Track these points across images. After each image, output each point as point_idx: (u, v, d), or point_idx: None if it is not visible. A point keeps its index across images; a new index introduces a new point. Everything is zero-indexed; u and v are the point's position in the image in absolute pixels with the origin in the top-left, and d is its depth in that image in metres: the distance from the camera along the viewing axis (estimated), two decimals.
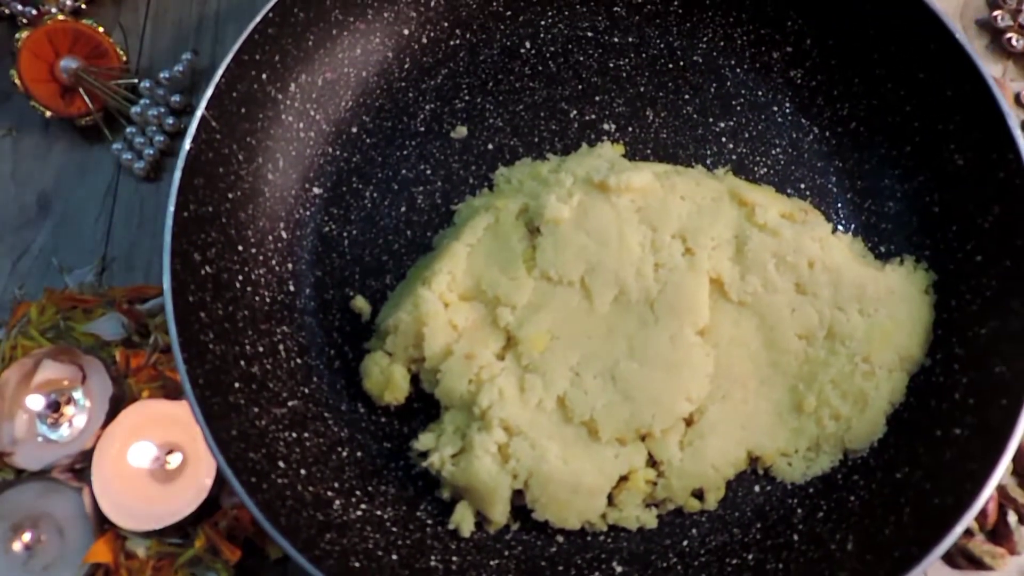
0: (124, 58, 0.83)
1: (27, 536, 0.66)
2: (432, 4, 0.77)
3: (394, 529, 0.63)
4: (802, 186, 0.74)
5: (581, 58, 0.78)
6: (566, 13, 0.78)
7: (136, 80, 0.82)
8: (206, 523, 0.66)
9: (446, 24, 0.77)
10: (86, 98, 0.81)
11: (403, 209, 0.74)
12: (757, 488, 0.66)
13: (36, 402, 0.68)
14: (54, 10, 0.83)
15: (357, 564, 0.58)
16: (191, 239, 0.63)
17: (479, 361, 0.64)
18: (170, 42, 0.86)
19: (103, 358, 0.70)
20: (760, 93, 0.76)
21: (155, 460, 0.67)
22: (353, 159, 0.75)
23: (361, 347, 0.69)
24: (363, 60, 0.75)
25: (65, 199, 0.81)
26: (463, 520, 0.63)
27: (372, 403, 0.68)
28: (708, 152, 0.75)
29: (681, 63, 0.77)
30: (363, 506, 0.63)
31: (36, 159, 0.83)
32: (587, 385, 0.64)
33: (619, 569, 0.63)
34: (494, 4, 0.78)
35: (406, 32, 0.77)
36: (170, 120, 0.82)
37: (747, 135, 0.75)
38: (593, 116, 0.76)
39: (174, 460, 0.68)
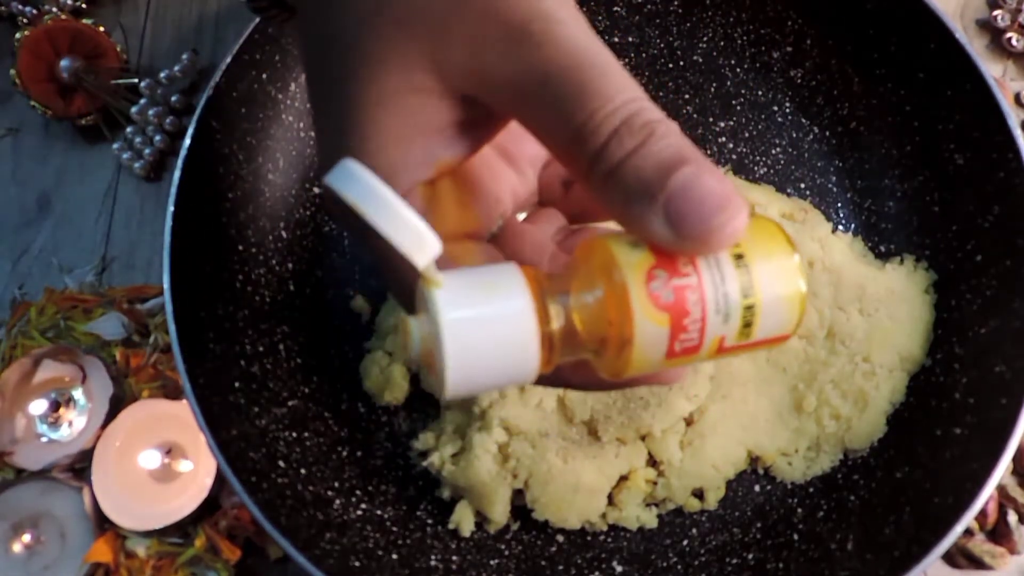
0: (124, 58, 0.83)
1: (27, 536, 0.66)
2: None
3: (394, 528, 0.63)
4: (802, 186, 0.74)
5: None
6: None
7: (136, 80, 0.82)
8: (206, 523, 0.66)
9: None
10: (86, 98, 0.81)
11: None
12: (757, 488, 0.66)
13: (38, 407, 0.68)
14: (54, 10, 0.83)
15: (357, 563, 0.58)
16: (191, 239, 0.63)
17: None
18: (170, 42, 0.86)
19: (103, 358, 0.70)
20: (760, 93, 0.76)
21: (157, 462, 0.67)
22: None
23: (361, 346, 0.69)
24: None
25: (65, 199, 0.81)
26: (463, 520, 0.63)
27: (372, 403, 0.68)
28: (708, 152, 0.75)
29: (681, 63, 0.77)
30: (363, 505, 0.63)
31: (36, 159, 0.83)
32: None
33: (619, 568, 0.63)
34: None
35: None
36: (170, 120, 0.82)
37: (747, 135, 0.75)
38: None
39: (173, 462, 0.68)
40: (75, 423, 0.69)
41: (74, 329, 0.72)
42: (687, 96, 0.76)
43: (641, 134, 0.31)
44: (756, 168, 0.75)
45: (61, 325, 0.73)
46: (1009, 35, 0.83)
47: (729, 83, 0.77)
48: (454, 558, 0.62)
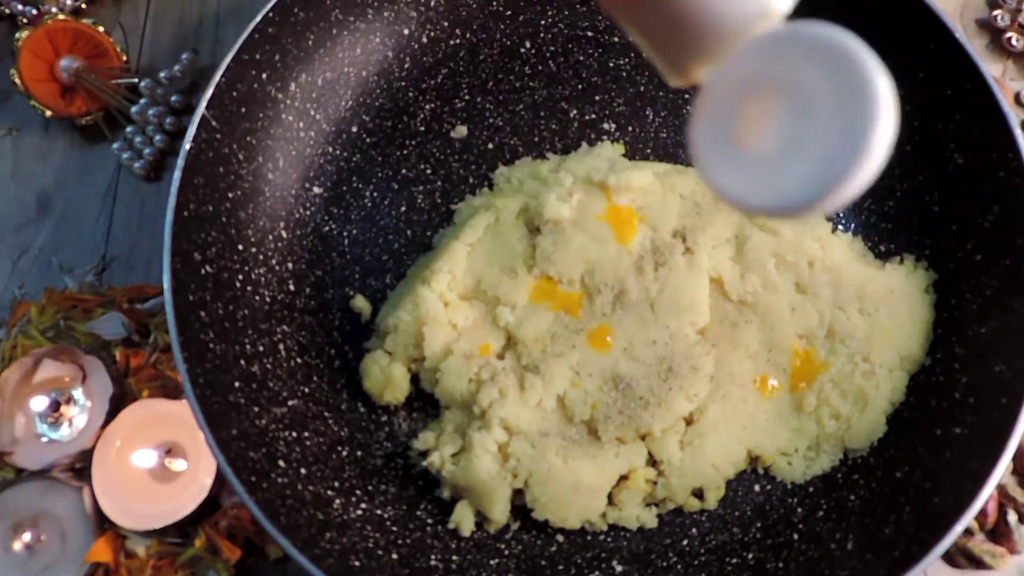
0: (124, 58, 0.84)
1: (27, 536, 0.66)
2: (432, 4, 0.77)
3: (394, 528, 0.63)
4: None
5: (581, 58, 0.78)
6: (566, 13, 0.78)
7: (136, 80, 0.82)
8: (206, 522, 0.66)
9: (446, 24, 0.78)
10: (86, 98, 0.81)
11: (403, 208, 0.74)
12: (757, 487, 0.66)
13: (39, 403, 0.68)
14: (54, 10, 0.83)
15: (357, 563, 0.58)
16: (191, 239, 0.63)
17: (479, 360, 0.64)
18: (170, 42, 0.86)
19: (103, 357, 0.70)
20: None
21: (155, 460, 0.67)
22: (353, 158, 0.75)
23: (361, 346, 0.69)
24: (363, 60, 0.75)
25: (65, 199, 0.81)
26: (463, 519, 0.63)
27: (372, 403, 0.68)
28: None
29: None
30: (363, 505, 0.63)
31: (36, 159, 0.83)
32: (587, 384, 0.64)
33: (619, 568, 0.63)
34: (494, 4, 0.78)
35: (406, 32, 0.77)
36: (170, 120, 0.82)
37: None
38: (593, 115, 0.76)
39: (174, 460, 0.68)
40: (75, 423, 0.69)
41: (74, 329, 0.72)
42: (687, 96, 0.76)
43: None
44: None
45: (61, 325, 0.73)
46: (1009, 35, 0.83)
47: None
48: (454, 558, 0.62)
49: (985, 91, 0.64)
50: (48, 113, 0.81)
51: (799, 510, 0.64)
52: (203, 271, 0.63)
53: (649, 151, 0.75)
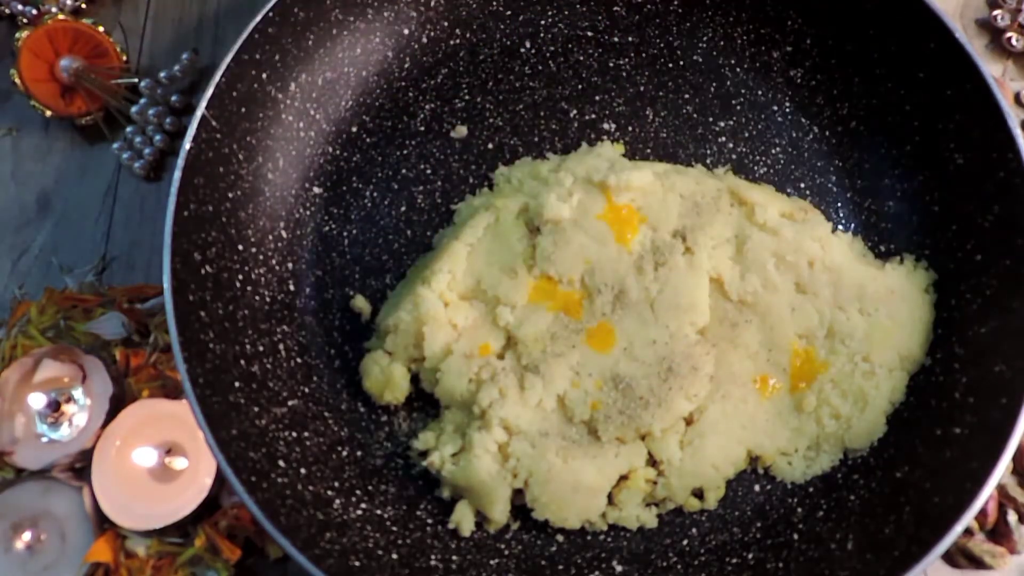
0: (124, 58, 0.84)
1: (27, 535, 0.66)
2: (432, 4, 0.77)
3: (394, 528, 0.63)
4: (802, 185, 0.74)
5: (581, 58, 0.78)
6: (566, 13, 0.78)
7: (136, 80, 0.82)
8: (206, 522, 0.66)
9: (446, 24, 0.78)
10: (86, 98, 0.81)
11: (403, 208, 0.74)
12: (757, 487, 0.66)
13: (37, 400, 0.68)
14: (54, 10, 0.83)
15: (357, 563, 0.58)
16: (191, 239, 0.63)
17: (479, 360, 0.64)
18: (170, 42, 0.86)
19: (103, 357, 0.70)
20: (760, 93, 0.76)
21: (155, 460, 0.67)
22: (353, 159, 0.75)
23: (361, 346, 0.69)
24: (363, 60, 0.75)
25: (65, 199, 0.81)
26: (463, 519, 0.63)
27: (372, 403, 0.68)
28: (708, 151, 0.75)
29: (681, 63, 0.77)
30: (363, 505, 0.63)
31: (36, 159, 0.83)
32: (587, 384, 0.64)
33: (619, 568, 0.63)
34: (494, 4, 0.78)
35: (406, 32, 0.77)
36: (170, 120, 0.82)
37: (747, 134, 0.75)
38: (593, 115, 0.76)
39: (174, 460, 0.68)
40: (75, 422, 0.69)
41: (74, 329, 0.72)
42: (687, 96, 0.77)
43: None
44: (756, 168, 0.75)
45: (61, 325, 0.73)
46: (1009, 35, 0.83)
47: (729, 83, 0.77)
48: (454, 558, 0.62)
49: (985, 91, 0.64)
50: (48, 113, 0.81)
51: (799, 510, 0.64)
52: (203, 271, 0.63)
53: (649, 151, 0.75)
